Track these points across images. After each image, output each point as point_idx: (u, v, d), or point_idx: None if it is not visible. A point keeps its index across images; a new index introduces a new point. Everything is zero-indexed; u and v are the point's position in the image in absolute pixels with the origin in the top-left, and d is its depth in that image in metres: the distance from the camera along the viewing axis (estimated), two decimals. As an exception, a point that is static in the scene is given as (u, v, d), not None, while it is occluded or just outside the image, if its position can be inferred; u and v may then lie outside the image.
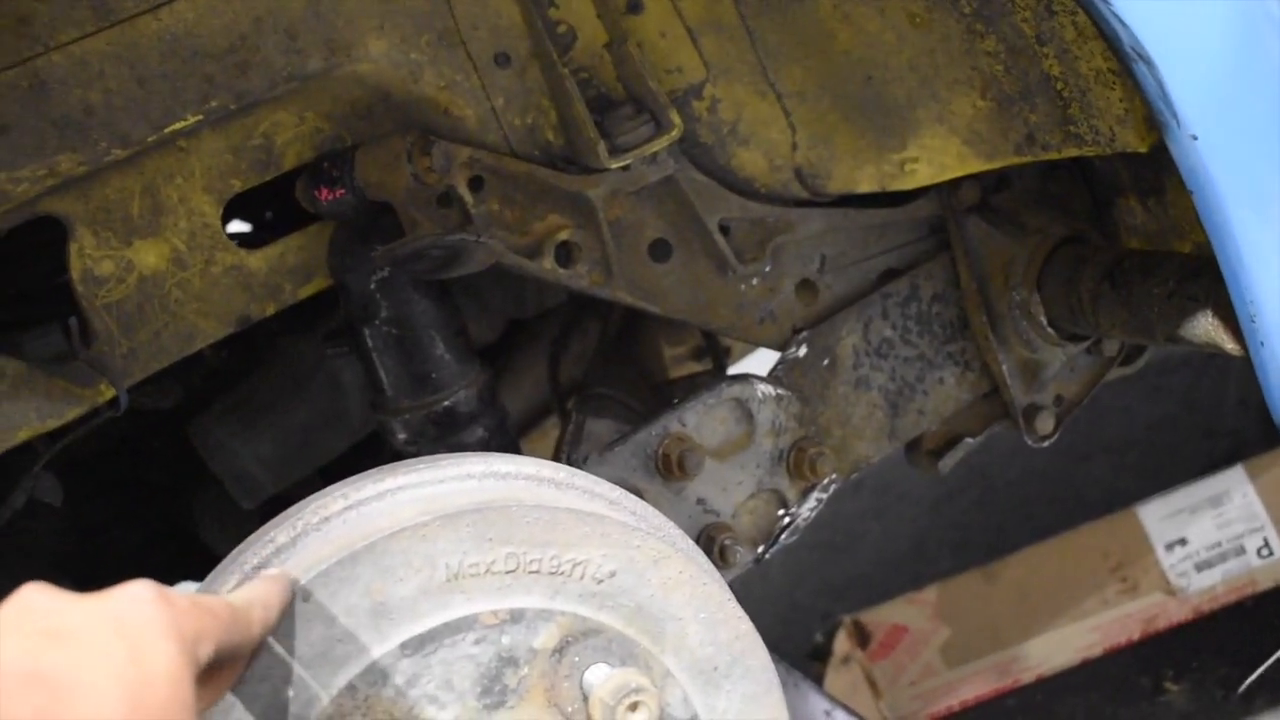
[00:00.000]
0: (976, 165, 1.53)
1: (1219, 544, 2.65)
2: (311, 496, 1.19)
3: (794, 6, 1.51)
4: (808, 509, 1.64)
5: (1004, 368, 1.70)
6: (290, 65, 1.42)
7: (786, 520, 1.63)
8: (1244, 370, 1.38)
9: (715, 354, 2.11)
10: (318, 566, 1.07)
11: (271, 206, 2.01)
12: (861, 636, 2.64)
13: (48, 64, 1.35)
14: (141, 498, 2.10)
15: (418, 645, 1.08)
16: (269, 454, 1.83)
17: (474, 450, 1.53)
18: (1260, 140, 1.24)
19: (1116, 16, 1.19)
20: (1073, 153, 1.44)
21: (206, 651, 0.92)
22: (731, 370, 2.05)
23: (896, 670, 2.61)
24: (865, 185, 1.59)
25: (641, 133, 1.47)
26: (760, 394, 1.60)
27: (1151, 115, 1.28)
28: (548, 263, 1.50)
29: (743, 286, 1.61)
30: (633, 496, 1.27)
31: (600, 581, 1.13)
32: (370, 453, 1.83)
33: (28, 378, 1.46)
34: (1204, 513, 2.66)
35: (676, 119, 1.47)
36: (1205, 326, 1.46)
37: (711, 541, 1.58)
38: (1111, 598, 2.62)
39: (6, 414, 1.46)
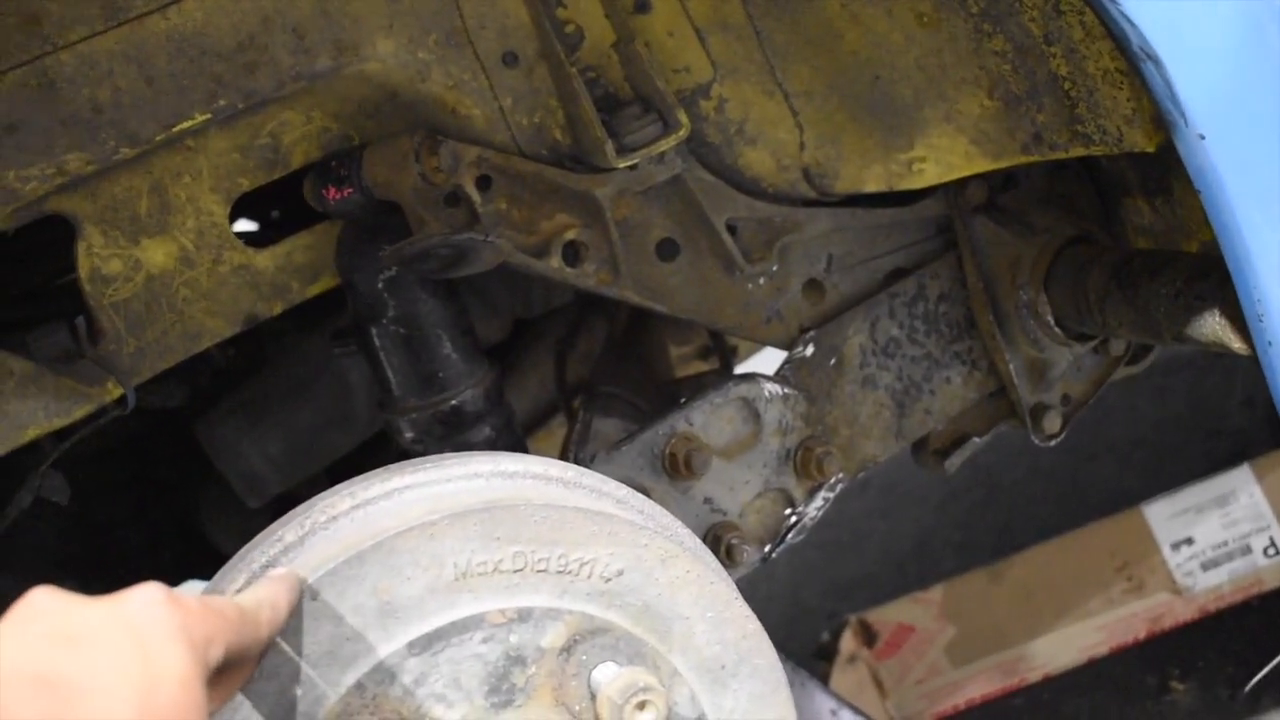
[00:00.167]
0: (984, 165, 1.53)
1: (1225, 543, 2.65)
2: (319, 495, 1.19)
3: (802, 6, 1.51)
4: (815, 508, 1.64)
5: (1011, 367, 1.70)
6: (298, 64, 1.42)
7: (793, 519, 1.63)
8: (1250, 370, 1.38)
9: (722, 353, 2.11)
10: (325, 565, 1.07)
11: (279, 206, 2.01)
12: (867, 635, 2.64)
13: (56, 63, 1.35)
14: (148, 497, 2.10)
15: (425, 644, 1.08)
16: (276, 453, 1.84)
17: (480, 449, 1.53)
18: (1267, 140, 1.23)
19: (1125, 16, 1.19)
20: (1080, 152, 1.44)
21: (216, 654, 0.92)
22: (738, 370, 2.05)
23: (902, 669, 2.61)
24: (872, 185, 1.59)
25: (649, 132, 1.47)
26: (767, 393, 1.60)
27: (1159, 115, 1.28)
28: (555, 262, 1.50)
29: (750, 286, 1.61)
30: (640, 495, 1.27)
31: (608, 580, 1.13)
32: (377, 452, 1.83)
33: (35, 376, 1.47)
34: (1210, 512, 2.66)
35: (684, 118, 1.47)
36: (1212, 326, 1.46)
37: (718, 541, 1.58)
38: (1117, 597, 2.62)
39: (14, 412, 1.46)
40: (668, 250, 1.57)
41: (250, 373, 1.92)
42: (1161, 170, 1.60)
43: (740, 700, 1.18)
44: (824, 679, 2.57)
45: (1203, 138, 1.22)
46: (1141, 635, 2.63)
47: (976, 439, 1.74)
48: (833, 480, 1.63)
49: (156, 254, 1.49)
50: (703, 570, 1.17)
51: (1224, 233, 1.26)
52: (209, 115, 1.41)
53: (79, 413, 1.49)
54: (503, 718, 1.10)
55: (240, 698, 1.04)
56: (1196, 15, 1.20)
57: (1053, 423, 1.74)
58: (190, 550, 2.09)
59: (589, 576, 1.13)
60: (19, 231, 1.44)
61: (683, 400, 1.60)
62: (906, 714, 2.59)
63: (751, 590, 1.31)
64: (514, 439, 1.62)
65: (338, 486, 1.20)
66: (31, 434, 1.48)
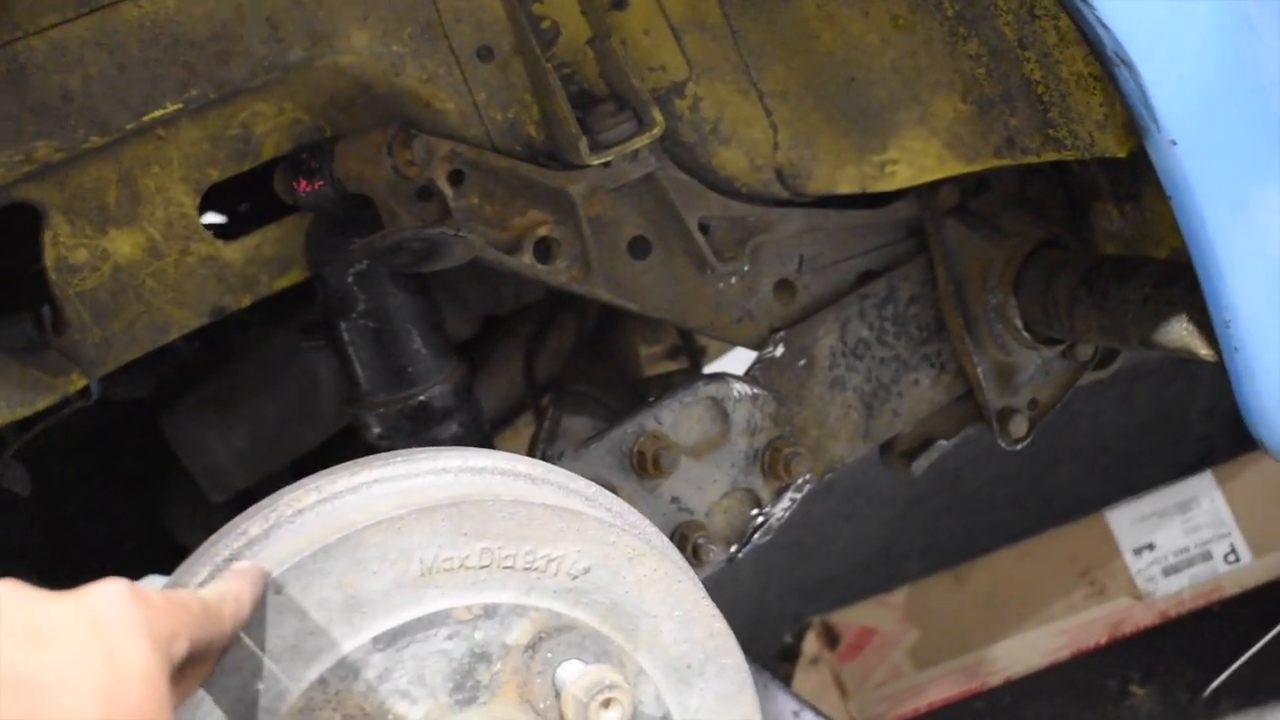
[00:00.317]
0: (956, 168, 1.54)
1: (1186, 549, 2.67)
2: (285, 489, 1.18)
3: (778, 7, 1.51)
4: (781, 509, 1.64)
5: (979, 370, 1.70)
6: (271, 55, 1.41)
7: (760, 520, 1.63)
8: (1213, 378, 1.39)
9: (691, 353, 2.11)
10: (291, 559, 1.06)
11: (246, 199, 1.99)
12: (830, 638, 2.64)
13: (27, 49, 1.33)
14: (111, 490, 2.09)
15: (390, 639, 1.07)
16: (241, 447, 1.83)
17: (448, 446, 1.53)
18: (1238, 146, 1.24)
19: (1100, 20, 1.20)
20: (1052, 157, 1.44)
21: (180, 649, 0.91)
22: (707, 370, 2.05)
23: (865, 672, 2.61)
24: (845, 186, 1.59)
25: (623, 130, 1.47)
26: (736, 393, 1.60)
27: (1131, 120, 1.28)
28: (527, 258, 1.49)
29: (721, 285, 1.61)
30: (608, 493, 1.27)
31: (575, 578, 1.13)
32: (343, 448, 1.82)
33: (-1, 366, 1.45)
34: (1172, 518, 2.68)
35: (659, 116, 1.47)
36: (1180, 332, 1.47)
37: (685, 540, 1.58)
38: (1079, 602, 2.63)
39: (-23, 402, 1.45)
40: (640, 248, 1.57)
41: (215, 366, 1.90)
42: (1132, 176, 1.61)
43: (706, 699, 1.18)
44: (786, 680, 2.57)
45: (1174, 143, 1.22)
46: (1103, 640, 2.64)
47: (944, 442, 1.75)
48: (800, 481, 1.64)
49: (124, 244, 1.48)
50: (670, 569, 1.17)
51: (1193, 238, 1.27)
52: (180, 104, 1.40)
53: (43, 403, 1.48)
54: (467, 714, 1.09)
55: (201, 693, 1.03)
56: (1171, 21, 1.21)
57: (1019, 427, 1.75)
58: (153, 544, 2.07)
59: (556, 573, 1.12)
60: (-16, 219, 1.42)
61: (652, 399, 1.60)
62: (868, 716, 2.60)
63: (716, 592, 1.31)
64: (482, 436, 1.61)
65: (303, 480, 1.19)
66: (-6, 423, 1.47)
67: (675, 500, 1.59)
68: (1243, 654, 2.48)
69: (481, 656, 1.09)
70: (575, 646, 1.12)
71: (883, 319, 1.69)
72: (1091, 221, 1.71)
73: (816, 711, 2.24)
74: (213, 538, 1.16)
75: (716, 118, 1.57)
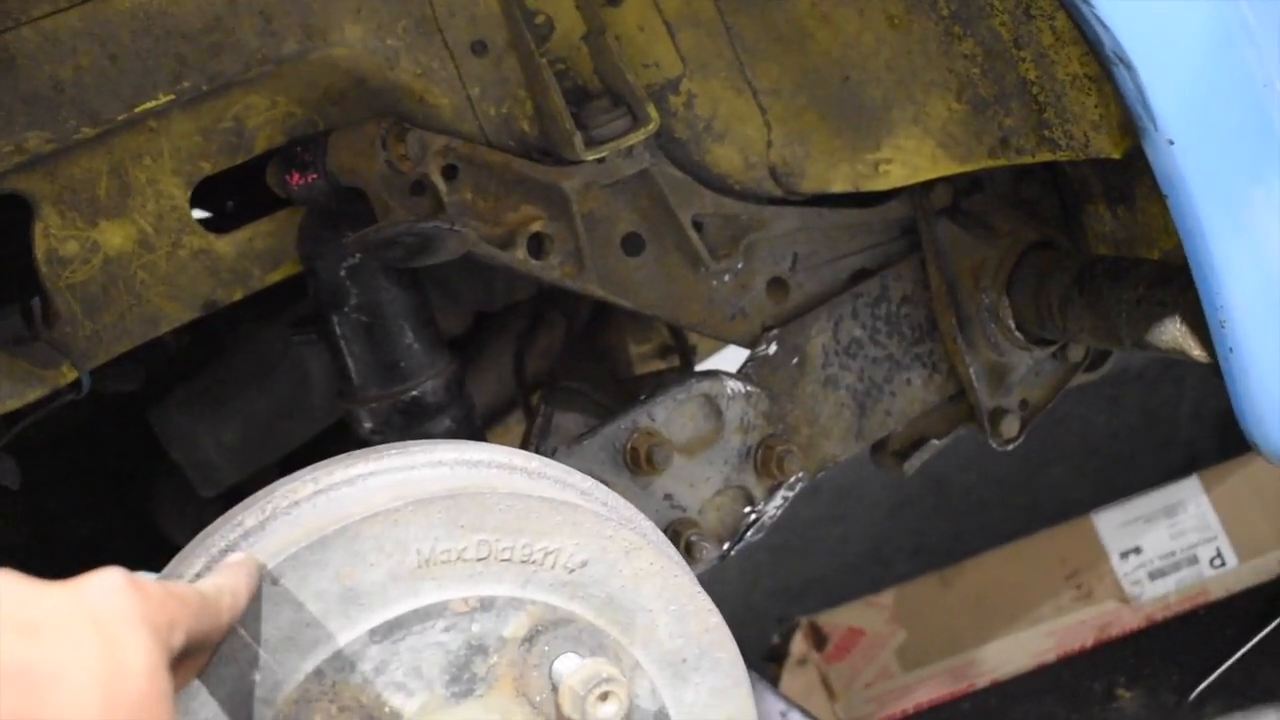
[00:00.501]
0: (950, 168, 1.54)
1: (1173, 553, 2.67)
2: (280, 480, 1.18)
3: (773, 5, 1.51)
4: (774, 507, 1.64)
5: (971, 370, 1.71)
6: (265, 48, 1.41)
7: (753, 517, 1.63)
8: (1199, 383, 1.40)
9: (682, 352, 2.10)
10: (287, 550, 1.06)
11: (234, 195, 1.98)
12: (818, 638, 2.64)
13: (18, 39, 1.32)
14: (99, 486, 2.07)
15: (387, 631, 1.07)
16: (231, 441, 1.82)
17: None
18: (1235, 146, 1.25)
19: (1099, 19, 1.20)
20: (1046, 157, 1.45)
21: (178, 640, 0.90)
22: (697, 369, 2.04)
23: (852, 672, 2.61)
24: (839, 185, 1.59)
25: (617, 126, 1.47)
26: (730, 390, 1.60)
27: (1126, 121, 1.29)
28: (520, 253, 1.49)
29: (714, 283, 1.61)
30: (604, 487, 1.26)
31: (572, 571, 1.13)
32: (333, 443, 1.81)
33: (-11, 358, 1.44)
34: (1159, 522, 2.68)
35: (653, 113, 1.47)
36: (1173, 333, 1.47)
37: (678, 537, 1.58)
38: (1066, 604, 2.64)
39: (-34, 394, 1.43)
40: (633, 245, 1.56)
41: (204, 362, 1.89)
42: (1125, 178, 1.61)
43: (701, 694, 1.17)
44: (774, 681, 2.57)
45: (1172, 143, 1.23)
46: (1089, 642, 2.65)
47: (935, 441, 1.75)
48: (792, 479, 1.63)
49: (115, 236, 1.47)
50: (666, 563, 1.17)
51: (1189, 238, 1.27)
52: (172, 96, 1.39)
53: (33, 395, 1.47)
54: (463, 707, 1.09)
55: (197, 684, 1.03)
56: (1170, 21, 1.21)
57: (1010, 427, 1.75)
58: (140, 540, 2.06)
59: (553, 567, 1.12)
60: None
61: (644, 396, 1.60)
62: (855, 717, 2.60)
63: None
64: (474, 432, 1.61)
65: (299, 472, 1.18)
66: (-16, 416, 1.46)
67: (668, 497, 1.58)
68: (1228, 657, 2.49)
69: (478, 649, 1.09)
70: (572, 640, 1.12)
71: (875, 318, 1.69)
72: (1084, 223, 1.71)
73: (804, 712, 2.24)
74: (208, 529, 1.15)
75: (710, 115, 1.57)
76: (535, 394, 2.02)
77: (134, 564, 1.99)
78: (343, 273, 1.51)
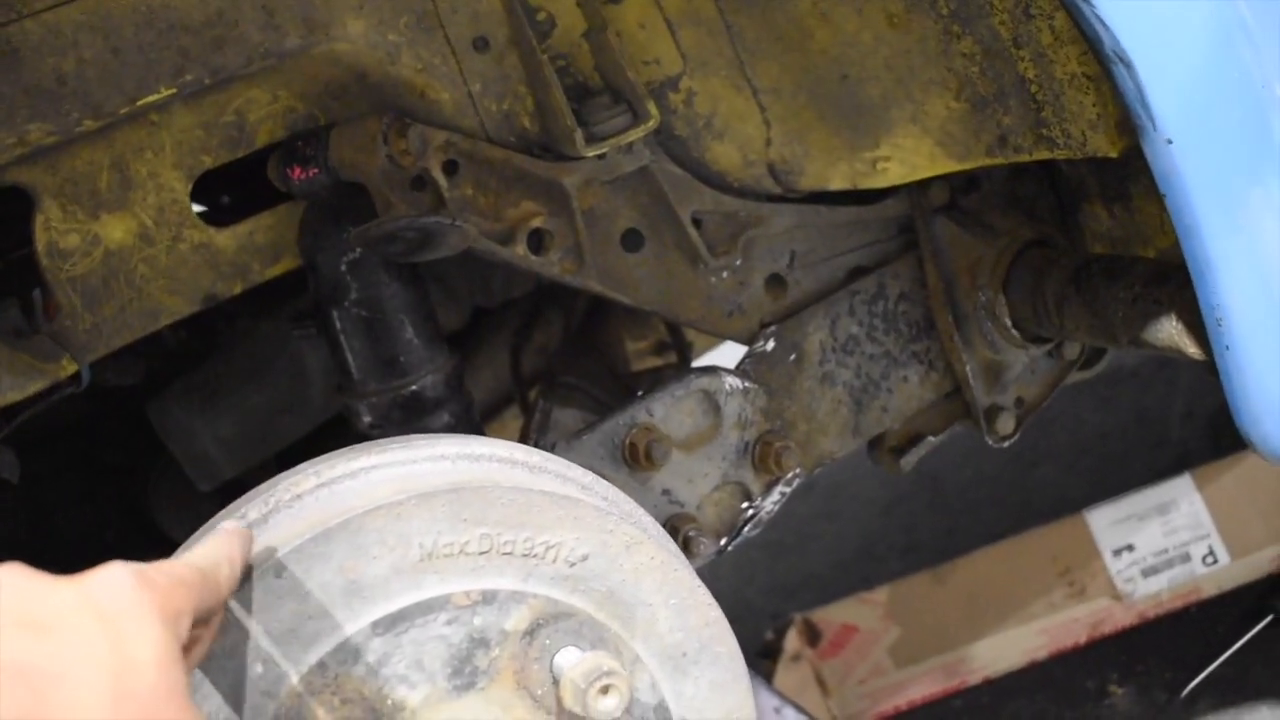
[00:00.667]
0: (948, 166, 1.54)
1: (1165, 551, 2.68)
2: (283, 474, 1.18)
3: (773, 3, 1.51)
4: (771, 502, 1.65)
5: (967, 368, 1.71)
6: (267, 42, 1.41)
7: (750, 513, 1.64)
8: (1191, 382, 1.40)
9: (680, 348, 2.11)
10: (291, 542, 1.06)
11: (231, 191, 1.99)
12: (812, 635, 2.65)
13: (21, 31, 1.33)
14: (95, 480, 2.07)
15: (389, 624, 1.07)
16: (229, 436, 1.82)
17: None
18: (1233, 145, 1.25)
19: (1099, 18, 1.21)
20: (1044, 156, 1.45)
21: (186, 626, 0.91)
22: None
23: (846, 669, 2.62)
24: (837, 182, 1.60)
25: (618, 122, 1.47)
26: (728, 386, 1.61)
27: (1124, 120, 1.30)
28: (520, 249, 1.49)
29: (713, 279, 1.62)
30: (605, 482, 1.27)
31: (573, 565, 1.13)
32: (331, 437, 1.81)
33: (-11, 350, 1.44)
34: (1151, 520, 2.69)
35: (653, 110, 1.47)
36: (1169, 331, 1.48)
37: (676, 532, 1.58)
38: (1059, 601, 2.65)
39: (-33, 387, 1.44)
40: (633, 241, 1.57)
41: (202, 356, 1.89)
42: (1121, 177, 1.62)
43: (700, 687, 1.18)
44: (767, 677, 2.58)
45: (1170, 142, 1.24)
46: (1082, 639, 2.66)
47: (931, 438, 1.76)
48: (790, 475, 1.64)
49: (115, 229, 1.47)
50: (667, 557, 1.17)
51: (1186, 236, 1.28)
52: (174, 90, 1.39)
53: (33, 388, 1.47)
54: (465, 700, 1.09)
55: (200, 675, 1.03)
56: (1170, 21, 1.22)
57: (1006, 424, 1.76)
58: (137, 534, 2.06)
59: (554, 560, 1.13)
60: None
61: (643, 392, 1.60)
62: (848, 713, 2.60)
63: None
64: (473, 427, 1.61)
65: (302, 465, 1.19)
66: (-16, 408, 1.46)
67: (666, 492, 1.59)
68: (1220, 655, 2.50)
69: (480, 642, 1.10)
70: (573, 633, 1.12)
71: (873, 315, 1.70)
72: (1080, 222, 1.72)
73: (797, 708, 2.25)
74: (210, 521, 1.16)
75: (710, 112, 1.57)
76: (532, 390, 2.03)
77: (130, 558, 2.00)
78: (343, 267, 1.52)
